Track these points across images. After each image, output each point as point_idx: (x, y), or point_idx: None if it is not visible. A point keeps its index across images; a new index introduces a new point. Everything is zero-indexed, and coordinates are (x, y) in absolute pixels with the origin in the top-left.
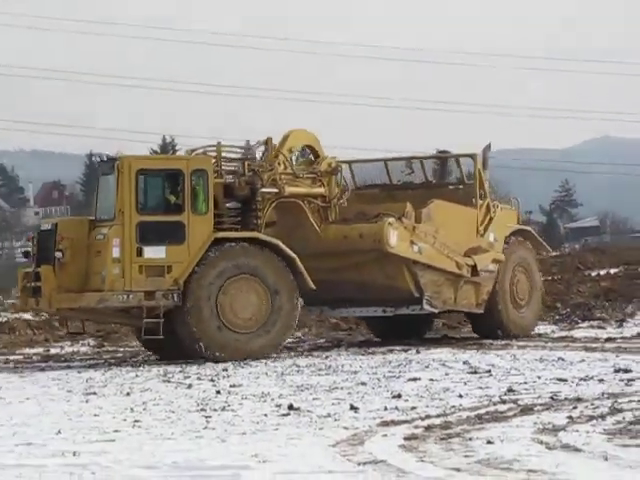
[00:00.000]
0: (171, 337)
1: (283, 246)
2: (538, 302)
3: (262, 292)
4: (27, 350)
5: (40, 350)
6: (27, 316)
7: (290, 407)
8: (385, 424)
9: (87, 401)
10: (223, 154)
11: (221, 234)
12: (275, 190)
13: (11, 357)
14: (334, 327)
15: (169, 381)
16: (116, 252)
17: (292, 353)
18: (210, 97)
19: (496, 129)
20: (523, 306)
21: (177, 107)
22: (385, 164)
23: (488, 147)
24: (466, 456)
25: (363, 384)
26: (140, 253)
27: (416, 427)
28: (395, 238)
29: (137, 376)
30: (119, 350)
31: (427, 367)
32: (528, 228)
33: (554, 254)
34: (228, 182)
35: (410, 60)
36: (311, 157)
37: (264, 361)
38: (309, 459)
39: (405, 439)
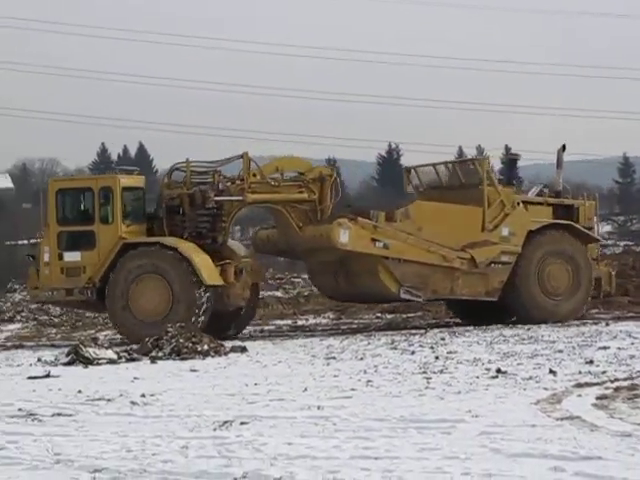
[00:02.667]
0: None
1: (181, 248)
2: (583, 291)
3: (164, 287)
4: (278, 322)
5: (289, 322)
6: (278, 293)
7: (498, 371)
8: (579, 386)
9: (328, 364)
10: (194, 169)
11: (129, 240)
12: (238, 198)
13: (265, 327)
14: None
15: (395, 348)
16: (46, 257)
17: (499, 325)
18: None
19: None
20: (559, 294)
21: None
22: (434, 168)
23: (562, 148)
24: None
25: (560, 351)
26: (61, 257)
27: (606, 388)
28: (346, 237)
29: (369, 344)
30: (354, 322)
31: (615, 337)
32: (568, 222)
33: None
34: (189, 193)
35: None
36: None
37: (475, 332)
38: (514, 415)
39: (597, 398)
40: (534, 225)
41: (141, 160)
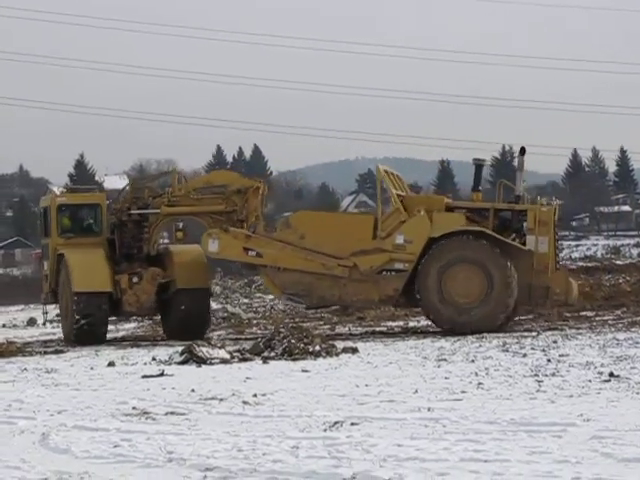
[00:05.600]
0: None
1: (66, 256)
2: (495, 300)
3: (70, 292)
4: (390, 323)
5: (400, 323)
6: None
7: (611, 374)
8: None
9: (439, 366)
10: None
11: (60, 251)
12: (155, 211)
13: (377, 329)
14: None
15: (507, 351)
16: (45, 266)
17: (612, 328)
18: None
19: None
20: (465, 303)
21: (514, 122)
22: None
23: (521, 151)
24: None
25: None
26: (43, 267)
27: None
28: (215, 246)
29: (480, 346)
30: None
31: None
32: (479, 229)
33: None
34: (122, 208)
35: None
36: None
37: (588, 335)
38: (627, 419)
39: None
40: (436, 232)
41: (255, 162)
